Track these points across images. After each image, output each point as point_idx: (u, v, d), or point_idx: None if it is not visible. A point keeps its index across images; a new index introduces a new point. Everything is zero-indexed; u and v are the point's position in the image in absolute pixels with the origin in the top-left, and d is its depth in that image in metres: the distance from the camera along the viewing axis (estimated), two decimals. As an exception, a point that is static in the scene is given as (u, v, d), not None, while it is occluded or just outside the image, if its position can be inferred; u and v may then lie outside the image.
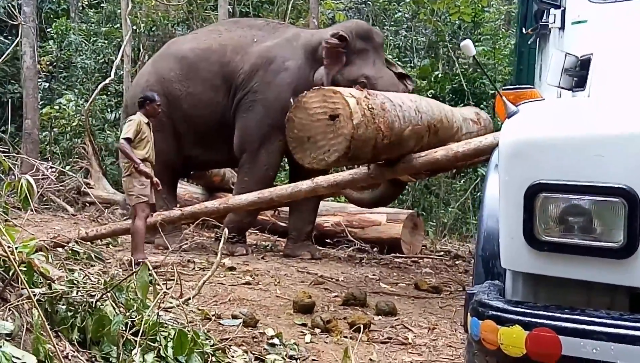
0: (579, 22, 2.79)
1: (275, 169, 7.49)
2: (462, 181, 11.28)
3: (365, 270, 6.53)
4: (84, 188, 10.24)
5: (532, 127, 2.26)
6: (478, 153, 5.48)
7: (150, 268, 3.22)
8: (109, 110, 13.13)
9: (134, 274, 3.34)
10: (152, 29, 13.78)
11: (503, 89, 2.72)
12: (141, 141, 6.08)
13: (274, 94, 7.12)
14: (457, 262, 7.71)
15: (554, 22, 2.94)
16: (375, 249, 7.71)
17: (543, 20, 3.22)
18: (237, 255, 6.95)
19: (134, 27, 12.44)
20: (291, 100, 5.69)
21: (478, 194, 10.88)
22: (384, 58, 7.45)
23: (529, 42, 3.73)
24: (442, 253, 8.31)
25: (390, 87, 6.68)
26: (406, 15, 13.17)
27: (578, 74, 2.69)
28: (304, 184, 6.12)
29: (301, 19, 13.09)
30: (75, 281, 3.44)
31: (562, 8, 2.91)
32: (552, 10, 2.96)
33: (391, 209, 8.30)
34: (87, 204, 10.20)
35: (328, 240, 8.05)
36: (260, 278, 5.76)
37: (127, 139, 5.99)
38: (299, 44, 7.35)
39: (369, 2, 14.15)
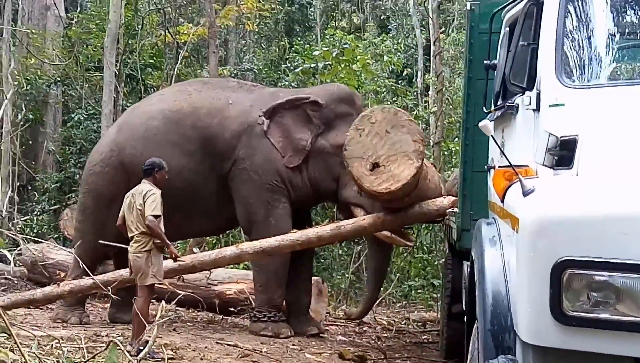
0: (557, 105, 2.96)
1: (288, 231, 6.50)
2: (345, 248, 11.50)
3: (283, 340, 6.41)
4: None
5: (555, 206, 2.37)
6: None
7: (122, 347, 2.99)
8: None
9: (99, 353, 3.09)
10: (27, 88, 13.12)
11: (499, 167, 2.84)
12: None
13: (263, 157, 6.70)
14: (364, 329, 7.76)
15: (529, 104, 3.11)
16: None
17: (509, 101, 3.40)
18: (282, 337, 6.45)
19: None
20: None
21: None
22: None
23: (487, 119, 3.92)
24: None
25: None
26: (292, 84, 13.41)
27: (560, 153, 2.84)
28: (228, 251, 5.94)
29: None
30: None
31: (537, 91, 3.09)
32: (527, 93, 3.14)
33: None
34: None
35: (232, 309, 7.83)
36: (183, 352, 5.50)
37: (157, 217, 5.33)
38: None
39: (255, 70, 14.34)
